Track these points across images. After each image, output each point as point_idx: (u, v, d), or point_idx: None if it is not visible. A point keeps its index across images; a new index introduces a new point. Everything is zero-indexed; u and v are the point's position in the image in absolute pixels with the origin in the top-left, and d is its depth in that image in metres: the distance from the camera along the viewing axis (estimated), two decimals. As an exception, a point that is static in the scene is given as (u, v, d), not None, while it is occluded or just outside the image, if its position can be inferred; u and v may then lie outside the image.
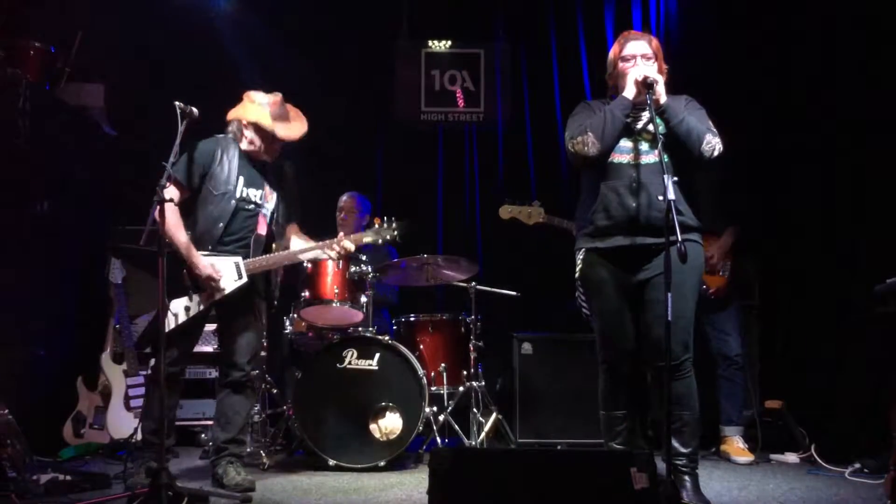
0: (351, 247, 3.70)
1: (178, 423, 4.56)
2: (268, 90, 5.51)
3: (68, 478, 3.49)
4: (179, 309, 3.51)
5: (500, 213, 4.40)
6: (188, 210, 3.58)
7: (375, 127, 5.87)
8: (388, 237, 3.76)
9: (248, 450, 4.08)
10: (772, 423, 4.42)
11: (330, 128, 5.70)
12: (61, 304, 4.78)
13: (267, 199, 3.70)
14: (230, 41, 5.59)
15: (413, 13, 5.91)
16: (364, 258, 4.32)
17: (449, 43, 5.97)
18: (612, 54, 3.28)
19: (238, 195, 3.60)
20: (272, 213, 3.72)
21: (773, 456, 4.29)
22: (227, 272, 3.53)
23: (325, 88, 5.65)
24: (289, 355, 4.79)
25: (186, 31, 5.45)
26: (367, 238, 3.75)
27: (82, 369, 4.63)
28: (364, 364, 4.11)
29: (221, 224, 3.56)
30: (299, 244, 3.79)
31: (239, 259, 3.56)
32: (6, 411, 3.41)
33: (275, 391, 4.61)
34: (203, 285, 3.50)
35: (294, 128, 3.68)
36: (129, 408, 4.47)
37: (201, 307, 3.52)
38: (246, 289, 3.59)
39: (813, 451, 4.12)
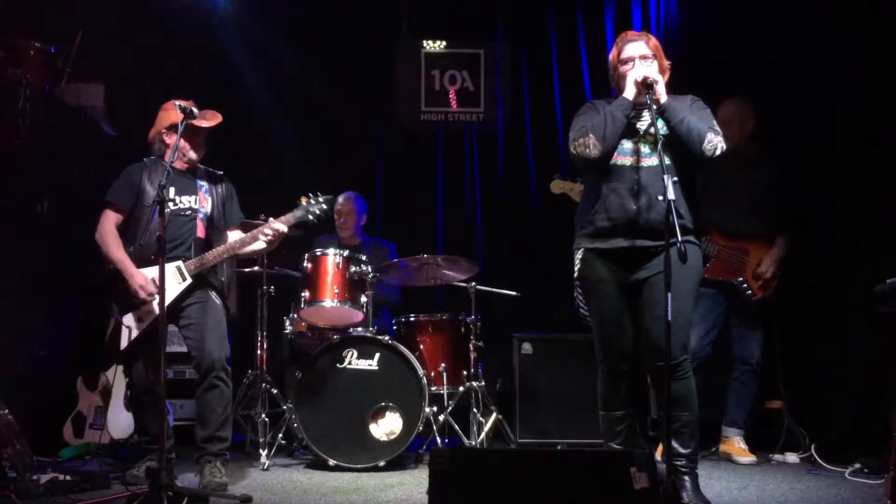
0: (283, 228, 3.74)
1: (177, 423, 4.58)
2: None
3: (68, 478, 3.49)
4: (132, 322, 3.61)
5: (552, 187, 4.25)
6: (128, 229, 3.70)
7: (375, 127, 5.87)
8: (317, 212, 3.80)
9: (242, 440, 4.07)
10: (772, 423, 4.42)
11: (330, 128, 5.72)
12: (61, 304, 4.78)
13: (202, 204, 3.77)
14: (230, 41, 5.59)
15: (413, 13, 5.91)
16: (364, 258, 4.32)
17: (449, 43, 5.97)
18: (611, 57, 3.28)
19: (171, 205, 3.66)
20: (209, 217, 3.79)
21: (773, 456, 4.29)
22: (170, 277, 3.57)
23: (325, 88, 5.66)
24: (289, 355, 4.79)
25: (186, 31, 5.45)
26: (298, 214, 3.78)
27: (82, 369, 4.63)
28: (364, 364, 4.11)
29: (158, 232, 3.59)
30: (236, 236, 3.85)
31: (179, 262, 3.63)
32: (6, 411, 3.41)
33: (275, 391, 4.61)
34: (141, 296, 3.57)
35: (208, 116, 3.71)
36: (129, 408, 4.46)
37: (150, 315, 3.58)
38: (195, 288, 3.66)
39: (813, 451, 4.12)
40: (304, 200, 3.81)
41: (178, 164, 3.73)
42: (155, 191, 3.63)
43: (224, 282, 3.89)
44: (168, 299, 3.52)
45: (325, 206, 3.81)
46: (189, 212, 3.72)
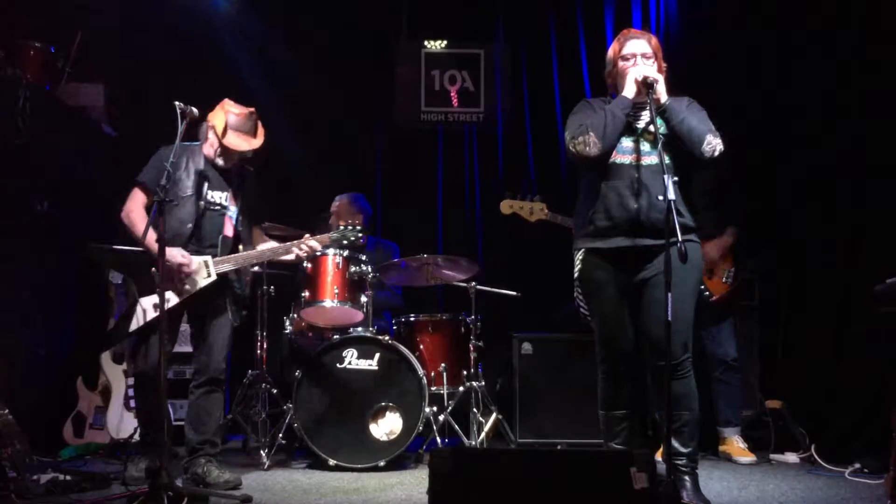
0: (317, 246, 3.79)
1: (177, 423, 4.57)
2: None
3: (68, 478, 3.50)
4: (149, 306, 3.57)
5: (501, 207, 4.28)
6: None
7: (375, 127, 5.87)
8: (352, 238, 3.85)
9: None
10: (772, 423, 4.42)
11: (330, 128, 5.72)
12: (61, 304, 4.78)
13: (232, 203, 3.78)
14: (230, 41, 5.60)
15: (413, 13, 5.91)
16: (364, 258, 4.32)
17: (449, 43, 5.98)
18: (611, 52, 3.27)
19: (204, 198, 3.69)
20: (237, 216, 3.79)
21: (773, 456, 4.29)
22: (198, 270, 3.59)
23: (325, 88, 5.66)
24: (289, 355, 4.79)
25: (186, 31, 5.45)
26: (334, 236, 3.84)
27: (82, 369, 4.63)
28: (364, 364, 4.11)
29: (190, 225, 3.64)
30: (267, 245, 3.90)
31: (208, 258, 3.62)
32: (6, 411, 3.42)
33: (275, 391, 4.61)
34: (175, 277, 3.53)
35: (245, 141, 3.73)
36: (129, 408, 4.47)
37: (168, 303, 3.52)
38: (216, 290, 3.65)
39: (813, 451, 4.12)
40: (341, 224, 3.88)
41: (213, 160, 3.76)
42: (190, 180, 3.66)
43: (247, 290, 3.88)
44: (190, 292, 3.56)
45: (360, 235, 3.87)
46: (219, 208, 3.73)
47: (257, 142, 3.76)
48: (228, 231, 3.73)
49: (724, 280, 4.34)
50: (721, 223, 4.35)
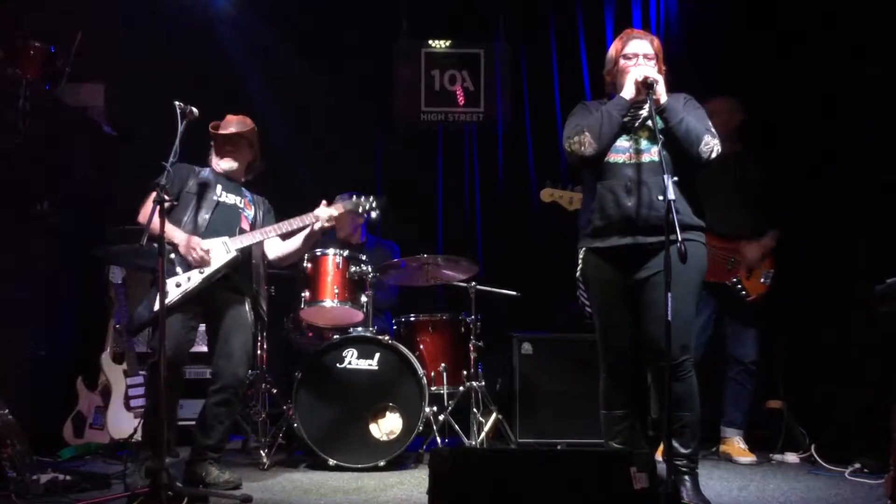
0: (333, 213, 3.81)
1: (177, 423, 4.57)
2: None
3: (68, 478, 3.50)
4: (171, 286, 3.55)
5: (542, 195, 4.23)
6: (171, 213, 3.68)
7: (375, 127, 5.87)
8: (367, 207, 3.88)
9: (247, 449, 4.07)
10: (779, 423, 4.42)
11: (330, 128, 5.73)
12: (61, 304, 4.77)
13: (248, 207, 3.86)
14: (230, 41, 5.60)
15: (413, 13, 5.91)
16: (364, 258, 4.32)
17: (449, 43, 5.98)
18: (613, 51, 3.28)
19: (219, 196, 3.76)
20: (253, 220, 3.85)
21: (773, 456, 4.29)
22: (217, 248, 3.63)
23: (324, 88, 5.66)
24: (289, 355, 4.79)
25: (186, 31, 5.46)
26: (348, 206, 3.88)
27: (82, 369, 4.63)
28: (364, 364, 4.11)
29: (207, 216, 3.69)
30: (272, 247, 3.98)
31: (226, 238, 3.67)
32: (6, 411, 3.41)
33: (275, 391, 4.61)
34: (190, 258, 3.55)
35: (231, 124, 3.86)
36: (129, 408, 4.47)
37: (190, 281, 3.56)
38: (236, 285, 3.68)
39: (813, 451, 4.12)
40: (355, 198, 3.92)
41: (221, 171, 3.84)
42: (202, 183, 3.74)
43: (263, 294, 3.89)
44: (211, 268, 3.58)
45: (374, 204, 3.89)
46: (234, 205, 3.80)
47: (235, 127, 3.83)
48: (246, 226, 3.79)
49: (762, 281, 4.33)
50: (761, 225, 4.34)
